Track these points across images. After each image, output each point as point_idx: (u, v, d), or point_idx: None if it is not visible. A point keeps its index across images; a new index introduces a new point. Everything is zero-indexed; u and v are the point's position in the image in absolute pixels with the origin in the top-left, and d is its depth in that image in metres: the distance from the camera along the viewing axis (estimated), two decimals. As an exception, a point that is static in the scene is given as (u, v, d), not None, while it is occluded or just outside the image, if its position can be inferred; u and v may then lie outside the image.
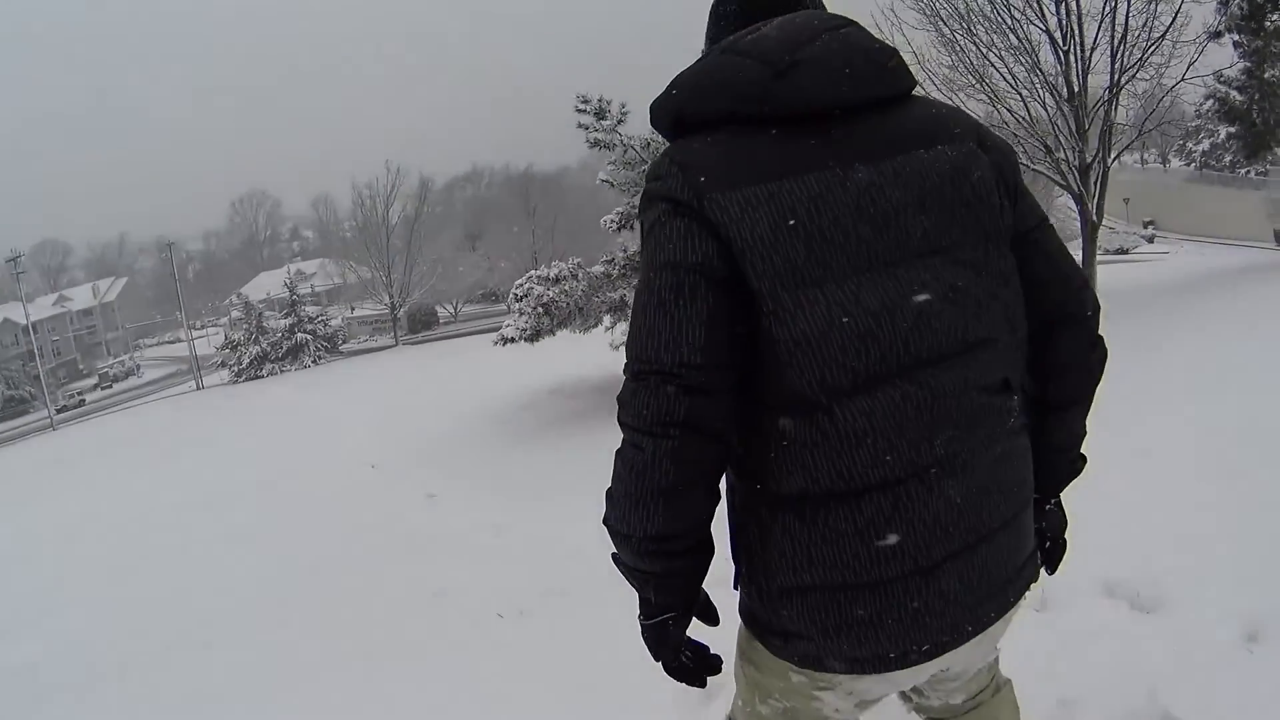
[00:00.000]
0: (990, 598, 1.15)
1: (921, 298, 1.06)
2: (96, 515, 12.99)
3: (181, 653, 5.57)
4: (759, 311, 1.05)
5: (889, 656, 1.11)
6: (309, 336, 39.84)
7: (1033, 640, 2.14)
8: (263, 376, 37.81)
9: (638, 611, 1.19)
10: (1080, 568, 2.58)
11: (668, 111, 1.18)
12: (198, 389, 40.08)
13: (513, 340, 13.81)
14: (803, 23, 1.15)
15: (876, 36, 1.18)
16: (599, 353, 14.16)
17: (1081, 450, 1.33)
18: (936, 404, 1.06)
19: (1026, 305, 1.18)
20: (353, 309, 51.39)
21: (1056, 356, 1.23)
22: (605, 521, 1.12)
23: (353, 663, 4.10)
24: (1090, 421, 1.30)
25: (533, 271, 14.89)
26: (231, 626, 5.95)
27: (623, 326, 13.52)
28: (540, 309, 13.55)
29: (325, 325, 41.69)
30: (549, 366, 15.96)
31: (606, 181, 14.80)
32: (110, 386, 57.75)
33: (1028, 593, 1.23)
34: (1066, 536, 1.40)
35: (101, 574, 9.28)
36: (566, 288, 13.80)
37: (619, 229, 15.13)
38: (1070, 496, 1.40)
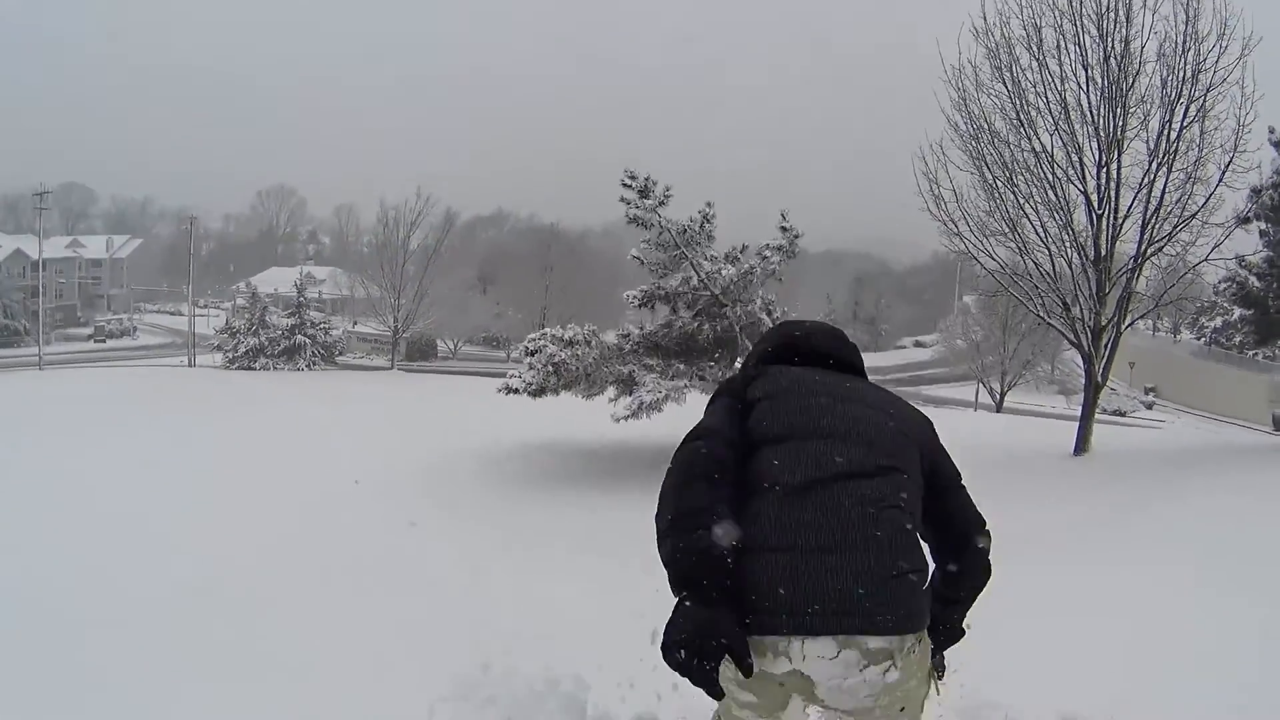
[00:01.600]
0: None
1: (837, 458, 1.84)
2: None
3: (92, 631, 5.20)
4: (753, 443, 1.91)
5: None
6: (308, 340, 40.03)
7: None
8: (255, 369, 37.88)
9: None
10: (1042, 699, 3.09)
11: (755, 356, 2.25)
12: (189, 365, 40.00)
13: (516, 391, 14.06)
14: (803, 325, 2.29)
15: None
16: (597, 420, 14.40)
17: (964, 626, 2.04)
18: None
19: (940, 529, 1.95)
20: (355, 323, 51.60)
21: (958, 568, 1.95)
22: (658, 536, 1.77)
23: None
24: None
25: (548, 329, 15.12)
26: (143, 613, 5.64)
27: (625, 400, 13.83)
28: (550, 367, 13.81)
29: (326, 334, 41.90)
30: (545, 423, 16.14)
31: (637, 258, 15.36)
32: (104, 341, 58.05)
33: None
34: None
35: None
36: (579, 352, 14.05)
37: (640, 306, 15.61)
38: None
